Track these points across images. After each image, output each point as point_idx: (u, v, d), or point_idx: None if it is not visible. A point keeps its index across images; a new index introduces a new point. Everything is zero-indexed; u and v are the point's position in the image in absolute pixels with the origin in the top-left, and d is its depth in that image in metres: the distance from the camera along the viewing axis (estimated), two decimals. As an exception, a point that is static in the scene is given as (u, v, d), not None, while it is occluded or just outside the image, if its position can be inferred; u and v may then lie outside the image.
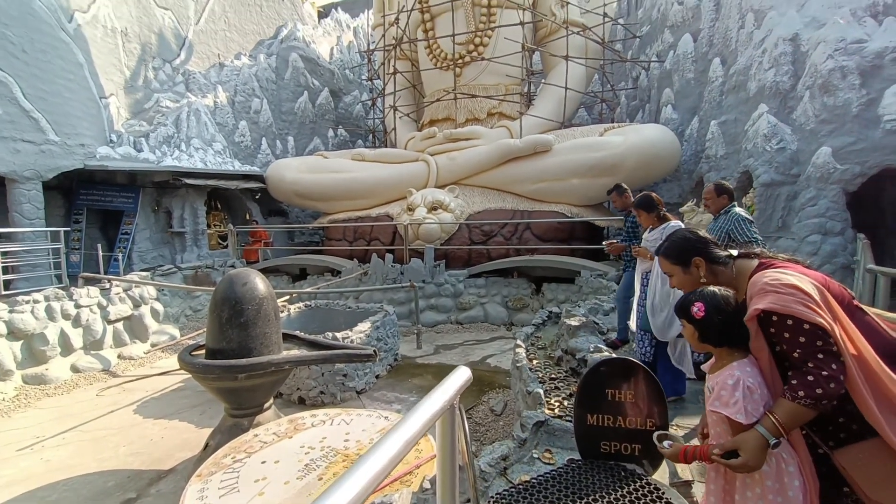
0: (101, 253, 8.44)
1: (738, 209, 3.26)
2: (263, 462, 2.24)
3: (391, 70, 12.12)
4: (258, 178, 11.64)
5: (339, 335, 4.87)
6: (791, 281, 1.28)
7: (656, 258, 2.88)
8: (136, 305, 7.11)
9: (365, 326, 5.31)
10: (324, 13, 20.79)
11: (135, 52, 11.72)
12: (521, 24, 10.51)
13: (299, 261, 10.06)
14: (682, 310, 1.44)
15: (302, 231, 13.56)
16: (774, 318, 1.27)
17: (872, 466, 1.25)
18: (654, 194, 3.15)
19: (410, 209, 9.11)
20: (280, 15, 17.38)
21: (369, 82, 14.57)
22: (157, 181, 10.30)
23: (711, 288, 1.43)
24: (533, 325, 4.55)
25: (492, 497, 1.73)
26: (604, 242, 4.02)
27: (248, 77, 13.15)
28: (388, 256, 8.49)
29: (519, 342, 3.90)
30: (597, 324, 3.69)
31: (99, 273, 7.84)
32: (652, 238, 3.02)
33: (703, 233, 1.58)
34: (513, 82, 11.28)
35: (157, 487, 3.39)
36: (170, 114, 11.09)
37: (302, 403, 4.76)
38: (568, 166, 8.72)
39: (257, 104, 13.10)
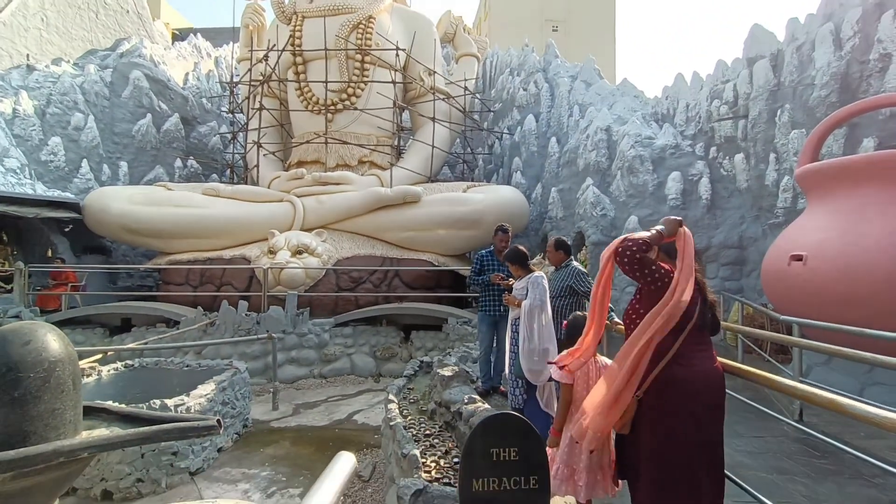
0: None
1: (575, 263, 3.66)
2: None
3: (256, 105, 11.46)
4: (72, 206, 9.50)
5: (170, 402, 4.01)
6: None
7: (524, 305, 3.11)
8: None
9: (207, 389, 4.50)
10: (180, 36, 19.01)
11: None
12: (393, 82, 11.14)
13: (122, 309, 8.28)
14: None
15: (130, 273, 11.31)
16: None
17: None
18: (521, 248, 3.38)
19: (272, 252, 8.40)
20: (122, 27, 15.34)
21: (230, 115, 13.49)
22: None
23: None
24: (405, 376, 4.45)
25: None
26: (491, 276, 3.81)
27: (69, 87, 10.99)
28: (242, 304, 7.55)
29: (391, 397, 3.75)
30: (468, 373, 3.78)
31: None
32: (519, 287, 3.24)
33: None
34: (384, 134, 11.66)
35: None
36: (-63, 116, 8.51)
37: (108, 499, 3.69)
38: (435, 218, 9.16)
39: (80, 120, 10.94)
